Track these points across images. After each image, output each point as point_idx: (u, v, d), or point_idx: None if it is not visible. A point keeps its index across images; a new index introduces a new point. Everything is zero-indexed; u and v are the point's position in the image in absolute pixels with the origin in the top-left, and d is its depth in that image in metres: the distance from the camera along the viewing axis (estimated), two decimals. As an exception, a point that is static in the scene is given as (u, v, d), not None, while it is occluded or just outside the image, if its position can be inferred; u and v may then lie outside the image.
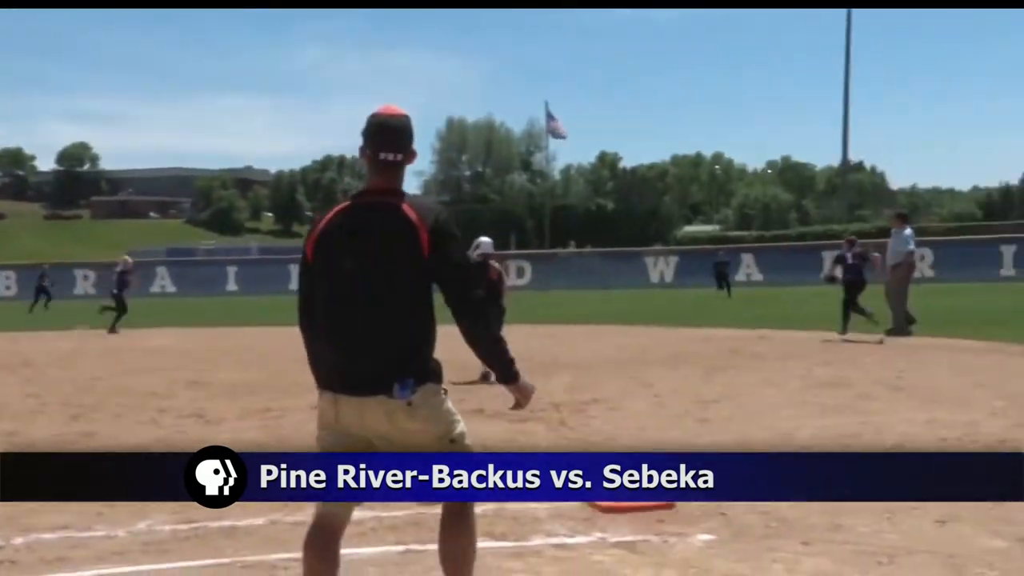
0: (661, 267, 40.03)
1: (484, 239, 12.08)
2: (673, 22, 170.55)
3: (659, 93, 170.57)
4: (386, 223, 3.35)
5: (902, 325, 15.83)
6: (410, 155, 3.46)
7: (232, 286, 41.88)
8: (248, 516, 5.47)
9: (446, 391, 3.46)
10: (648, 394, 10.06)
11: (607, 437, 7.73)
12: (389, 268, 3.33)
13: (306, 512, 5.75)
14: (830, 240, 42.41)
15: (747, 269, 38.16)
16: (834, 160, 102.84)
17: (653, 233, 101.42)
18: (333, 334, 3.38)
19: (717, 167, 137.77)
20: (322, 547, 3.44)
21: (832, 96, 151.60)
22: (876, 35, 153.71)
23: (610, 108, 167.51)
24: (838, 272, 16.45)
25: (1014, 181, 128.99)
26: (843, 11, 58.23)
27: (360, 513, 5.73)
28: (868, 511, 5.29)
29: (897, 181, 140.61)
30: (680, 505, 5.49)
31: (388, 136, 3.42)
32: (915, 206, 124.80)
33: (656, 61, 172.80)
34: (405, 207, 3.36)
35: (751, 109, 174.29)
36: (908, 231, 16.86)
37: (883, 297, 16.46)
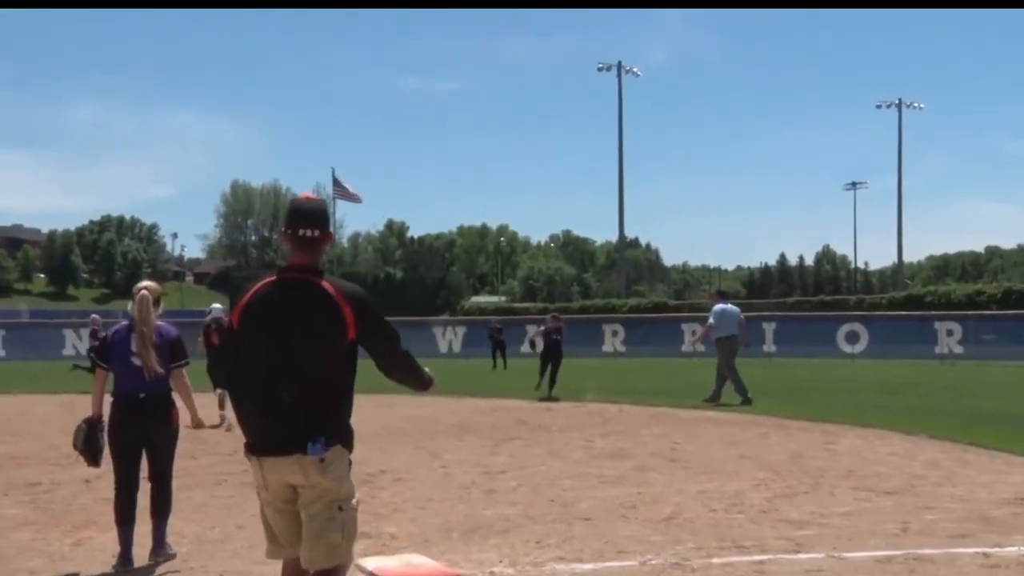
0: (449, 336, 40.31)
1: (216, 306, 14.90)
2: (456, 93, 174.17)
3: (445, 163, 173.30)
4: (309, 298, 3.71)
5: (744, 392, 16.11)
6: (327, 235, 3.88)
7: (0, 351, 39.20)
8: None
9: (351, 461, 3.79)
10: (435, 465, 10.10)
11: (393, 509, 7.71)
12: (309, 339, 3.67)
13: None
14: (610, 313, 43.95)
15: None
16: (612, 236, 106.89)
17: (441, 302, 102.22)
18: (257, 400, 3.70)
19: (502, 239, 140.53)
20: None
21: (610, 172, 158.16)
22: (649, 118, 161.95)
23: (398, 177, 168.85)
24: (539, 341, 19.61)
25: (772, 262, 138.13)
26: (616, 92, 61.26)
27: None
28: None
29: (670, 258, 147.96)
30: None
31: (305, 215, 3.85)
32: (687, 283, 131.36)
33: (442, 131, 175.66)
34: (325, 284, 3.74)
35: (534, 182, 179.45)
36: (718, 306, 17.12)
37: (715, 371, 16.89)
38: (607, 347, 36.71)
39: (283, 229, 3.87)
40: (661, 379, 23.81)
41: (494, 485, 8.82)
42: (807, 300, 52.49)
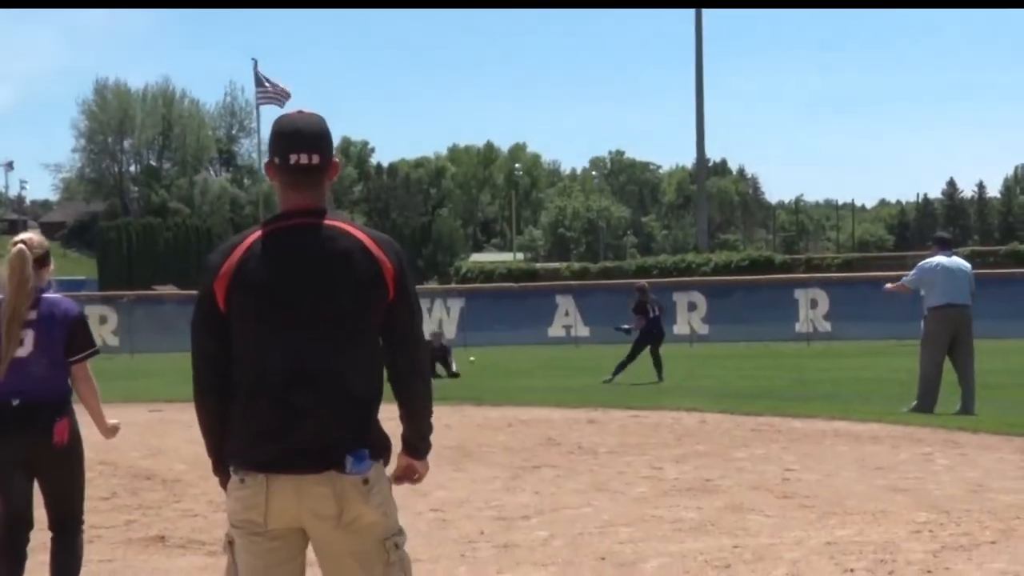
0: (440, 314, 40.32)
1: None
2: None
3: (430, 52, 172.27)
4: (335, 252, 3.87)
5: (924, 399, 15.88)
6: (332, 164, 4.02)
7: None
8: None
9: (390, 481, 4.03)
10: (423, 507, 10.11)
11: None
12: (342, 311, 3.85)
13: None
14: (685, 276, 43.91)
15: (565, 319, 38.88)
16: (687, 159, 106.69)
17: (425, 263, 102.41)
18: (265, 397, 3.82)
19: (518, 166, 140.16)
20: None
21: (683, 65, 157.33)
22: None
23: (355, 75, 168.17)
24: (635, 322, 23.14)
25: (935, 193, 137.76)
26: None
27: None
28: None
29: (776, 192, 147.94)
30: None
31: (299, 136, 3.97)
32: (802, 228, 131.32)
33: (424, 12, 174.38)
34: (354, 231, 3.92)
35: (566, 81, 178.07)
36: (929, 261, 16.25)
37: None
38: (680, 327, 36.75)
39: (268, 159, 3.99)
40: (764, 374, 23.81)
41: (513, 537, 8.88)
42: (991, 251, 52.31)
